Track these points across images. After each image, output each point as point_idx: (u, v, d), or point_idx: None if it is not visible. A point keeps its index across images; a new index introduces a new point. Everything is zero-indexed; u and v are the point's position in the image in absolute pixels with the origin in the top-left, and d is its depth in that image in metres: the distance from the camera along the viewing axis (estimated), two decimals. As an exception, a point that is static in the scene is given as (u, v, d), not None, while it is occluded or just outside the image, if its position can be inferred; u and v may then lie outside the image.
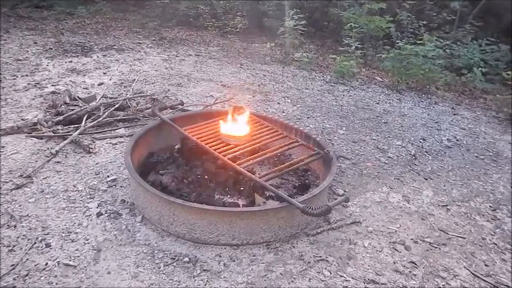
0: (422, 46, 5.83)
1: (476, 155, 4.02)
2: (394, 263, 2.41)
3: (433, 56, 5.75)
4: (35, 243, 2.26)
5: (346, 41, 6.41)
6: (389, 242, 2.58)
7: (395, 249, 2.52)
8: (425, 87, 5.95)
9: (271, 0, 8.59)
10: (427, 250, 2.56)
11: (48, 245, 2.26)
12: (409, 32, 7.23)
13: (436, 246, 2.61)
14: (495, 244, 2.70)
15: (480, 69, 6.10)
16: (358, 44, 6.33)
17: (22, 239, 2.29)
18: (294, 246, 2.44)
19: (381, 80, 6.31)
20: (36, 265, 2.12)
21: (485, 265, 2.50)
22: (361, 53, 6.41)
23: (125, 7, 8.92)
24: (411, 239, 2.64)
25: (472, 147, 4.19)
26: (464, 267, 2.45)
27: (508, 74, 5.54)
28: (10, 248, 2.22)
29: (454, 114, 5.12)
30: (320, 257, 2.37)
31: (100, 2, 8.57)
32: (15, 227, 2.37)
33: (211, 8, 9.02)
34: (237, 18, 8.97)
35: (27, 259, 2.16)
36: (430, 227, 2.80)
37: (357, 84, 5.86)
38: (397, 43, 6.23)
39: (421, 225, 2.81)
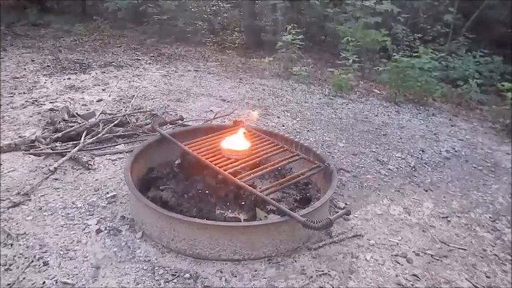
0: (418, 58, 5.88)
1: (474, 165, 4.02)
2: (397, 276, 2.39)
3: (429, 68, 5.80)
4: (32, 261, 2.23)
5: (344, 55, 6.46)
6: (391, 255, 2.56)
7: (397, 262, 2.51)
8: (422, 99, 5.98)
9: (268, 14, 8.71)
10: (429, 262, 2.54)
11: (45, 263, 2.23)
12: (405, 45, 7.32)
13: (437, 258, 2.59)
14: (496, 255, 2.69)
15: (475, 80, 6.16)
16: (355, 58, 6.38)
17: (19, 257, 2.26)
18: (295, 261, 2.42)
19: (378, 92, 6.35)
20: (33, 284, 2.09)
21: (487, 277, 2.48)
22: (358, 66, 6.45)
23: (123, 24, 8.99)
24: (413, 252, 2.62)
25: (471, 158, 4.20)
26: (466, 279, 2.43)
27: (503, 85, 5.58)
28: (6, 267, 2.18)
29: (452, 126, 5.14)
30: (322, 271, 2.35)
31: (98, 19, 8.64)
32: (11, 245, 2.34)
33: (209, 24, 9.13)
34: (235, 34, 9.08)
35: (24, 278, 2.12)
36: (431, 239, 2.78)
37: (355, 97, 5.89)
38: (394, 56, 6.29)
39: (422, 237, 2.80)
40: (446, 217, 3.08)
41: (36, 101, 4.55)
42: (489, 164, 4.09)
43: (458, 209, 3.21)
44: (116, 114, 4.20)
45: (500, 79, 6.28)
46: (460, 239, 2.83)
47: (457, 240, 2.81)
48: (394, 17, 7.36)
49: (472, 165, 4.04)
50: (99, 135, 3.63)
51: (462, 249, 2.71)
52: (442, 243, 2.75)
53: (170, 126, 3.93)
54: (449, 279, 2.41)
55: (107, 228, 2.55)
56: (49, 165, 3.15)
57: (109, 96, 4.87)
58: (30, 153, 3.33)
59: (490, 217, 3.14)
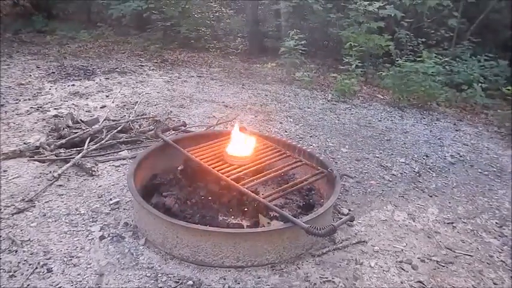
0: (422, 63, 5.87)
1: (480, 170, 4.00)
2: (402, 283, 2.37)
3: (432, 72, 5.78)
4: (36, 268, 2.24)
5: (346, 60, 6.46)
6: (396, 262, 2.54)
7: (402, 269, 2.48)
8: (426, 103, 5.96)
9: (271, 20, 8.74)
10: (435, 269, 2.52)
11: (49, 270, 2.23)
12: (408, 49, 7.30)
13: (443, 264, 2.57)
14: (503, 262, 2.66)
15: (480, 84, 6.12)
16: (358, 63, 6.38)
17: (23, 264, 2.26)
18: (299, 267, 2.40)
19: (382, 97, 6.34)
20: (37, 291, 2.09)
21: (494, 283, 2.45)
22: (361, 71, 6.45)
23: (127, 30, 9.05)
24: (418, 258, 2.60)
25: (476, 163, 4.17)
26: (473, 286, 2.41)
27: (508, 89, 5.55)
28: (11, 274, 2.19)
29: (456, 130, 5.11)
30: (326, 278, 2.33)
31: (102, 26, 8.70)
32: (16, 252, 2.35)
33: (212, 30, 9.16)
34: (238, 40, 9.11)
35: (28, 285, 2.13)
36: (437, 245, 2.76)
37: (358, 102, 5.88)
38: (397, 61, 6.28)
39: (428, 243, 2.77)
40: (452, 223, 3.05)
41: (40, 107, 4.58)
42: (495, 169, 4.06)
43: (464, 215, 3.18)
44: (119, 120, 4.21)
45: (506, 83, 6.25)
46: (466, 245, 2.81)
47: (463, 246, 2.79)
48: (397, 22, 7.35)
49: (477, 170, 4.01)
50: (103, 141, 3.65)
51: (468, 255, 2.69)
52: (448, 249, 2.73)
53: (173, 132, 3.93)
54: (456, 286, 2.39)
55: (110, 234, 2.55)
56: (53, 172, 3.16)
57: (113, 102, 4.89)
58: (34, 160, 3.35)
59: (496, 223, 3.11)
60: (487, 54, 6.85)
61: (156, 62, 7.11)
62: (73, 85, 5.47)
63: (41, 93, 5.08)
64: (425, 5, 6.88)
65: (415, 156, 4.17)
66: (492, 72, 6.62)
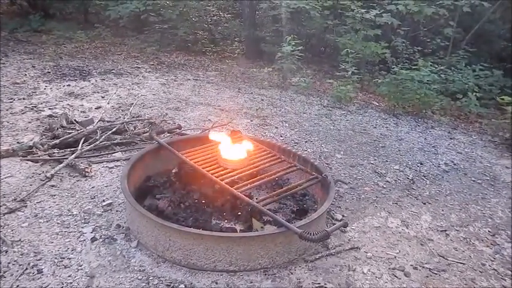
0: (418, 71, 5.91)
1: (473, 179, 4.01)
2: (394, 290, 2.37)
3: (428, 80, 5.82)
4: (26, 269, 2.22)
5: (343, 66, 6.48)
6: (389, 268, 2.54)
7: (395, 276, 2.48)
8: (421, 111, 6.00)
9: (268, 25, 8.76)
10: (427, 276, 2.52)
11: (40, 271, 2.21)
12: (404, 57, 7.35)
13: (436, 272, 2.57)
14: (495, 270, 2.67)
15: (474, 93, 6.16)
16: (355, 69, 6.40)
17: (13, 264, 2.24)
18: (292, 273, 2.39)
19: (377, 104, 6.37)
20: (27, 292, 2.07)
21: (487, 292, 2.46)
22: (357, 77, 6.47)
23: (124, 32, 9.03)
24: (411, 265, 2.60)
25: (469, 171, 4.19)
26: (465, 294, 2.42)
27: (502, 99, 5.60)
28: (0, 274, 2.17)
29: (451, 139, 5.14)
30: (319, 283, 2.32)
31: (99, 27, 8.68)
32: (6, 252, 2.33)
33: (210, 33, 9.17)
34: (235, 44, 9.12)
35: (17, 286, 2.10)
36: (430, 253, 2.76)
37: (354, 109, 5.90)
38: (393, 68, 6.32)
39: (421, 250, 2.78)
40: (445, 230, 3.06)
41: (35, 107, 4.55)
42: (488, 178, 4.08)
43: (457, 223, 3.19)
44: (114, 121, 4.20)
45: (500, 93, 6.30)
46: (458, 253, 2.81)
47: (456, 254, 2.79)
48: (394, 30, 7.40)
49: (471, 178, 4.02)
50: (97, 142, 3.63)
51: (461, 263, 2.69)
52: (441, 257, 2.73)
53: (168, 134, 3.92)
54: (447, 293, 2.39)
55: (102, 236, 2.53)
56: (46, 172, 3.14)
57: (108, 103, 4.88)
58: (27, 160, 3.32)
59: (489, 231, 3.12)
60: (481, 64, 6.90)
61: (153, 64, 7.10)
62: (68, 85, 5.44)
63: (35, 92, 5.05)
64: (422, 14, 6.92)
65: (409, 163, 4.18)
66: (487, 81, 6.67)
